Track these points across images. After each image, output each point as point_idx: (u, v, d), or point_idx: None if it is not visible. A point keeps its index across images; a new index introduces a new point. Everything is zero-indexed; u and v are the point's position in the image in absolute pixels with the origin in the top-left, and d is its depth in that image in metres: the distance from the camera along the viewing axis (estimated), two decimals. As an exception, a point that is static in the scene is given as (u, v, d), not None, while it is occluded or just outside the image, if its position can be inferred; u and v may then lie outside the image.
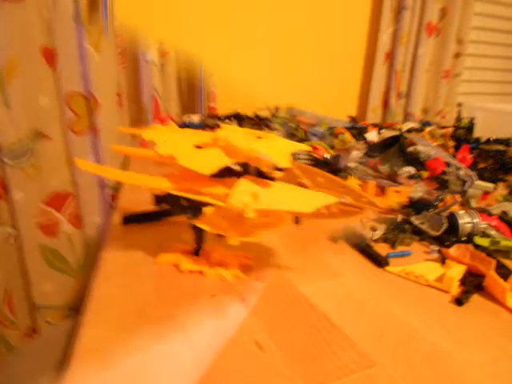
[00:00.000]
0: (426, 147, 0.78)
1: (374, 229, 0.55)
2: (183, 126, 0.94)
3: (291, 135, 0.89)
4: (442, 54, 1.59)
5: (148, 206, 0.52)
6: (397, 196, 0.68)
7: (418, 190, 0.67)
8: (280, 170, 0.43)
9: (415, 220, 0.58)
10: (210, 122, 0.95)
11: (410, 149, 0.80)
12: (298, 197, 0.39)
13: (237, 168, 0.42)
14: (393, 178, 0.73)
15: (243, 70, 1.28)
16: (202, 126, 0.94)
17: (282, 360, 0.33)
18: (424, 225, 0.57)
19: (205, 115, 1.05)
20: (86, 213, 1.00)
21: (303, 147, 0.46)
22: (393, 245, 0.54)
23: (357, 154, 0.76)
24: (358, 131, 1.03)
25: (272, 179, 0.41)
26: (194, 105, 1.15)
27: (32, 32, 0.85)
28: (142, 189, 0.43)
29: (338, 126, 1.05)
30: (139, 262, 0.46)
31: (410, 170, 0.75)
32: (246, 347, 0.34)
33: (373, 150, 0.84)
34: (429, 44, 1.52)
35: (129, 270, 0.45)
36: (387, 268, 0.48)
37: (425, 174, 0.75)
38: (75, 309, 1.08)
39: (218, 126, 0.90)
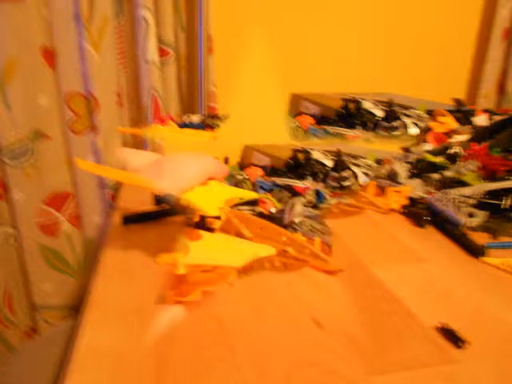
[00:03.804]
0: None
1: (471, 214, 0.49)
2: (183, 126, 0.94)
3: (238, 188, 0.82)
4: None
5: (148, 205, 0.52)
6: (397, 196, 0.68)
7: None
8: (217, 218, 0.40)
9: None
10: (210, 122, 0.95)
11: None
12: (230, 250, 0.36)
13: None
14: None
15: (337, 52, 1.23)
16: (202, 126, 0.94)
17: (340, 341, 0.31)
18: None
19: (205, 115, 1.05)
20: (85, 213, 1.00)
21: (248, 195, 0.45)
22: (494, 234, 0.48)
23: (301, 207, 0.64)
24: (463, 115, 0.93)
25: (211, 230, 0.39)
26: (194, 105, 1.15)
27: (32, 32, 0.85)
28: (142, 189, 0.43)
29: (439, 108, 0.93)
30: (139, 262, 0.46)
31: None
32: (302, 322, 0.32)
33: (481, 134, 0.77)
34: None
35: (129, 269, 0.44)
36: (484, 258, 0.43)
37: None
38: (75, 309, 1.07)
39: (218, 126, 0.90)
